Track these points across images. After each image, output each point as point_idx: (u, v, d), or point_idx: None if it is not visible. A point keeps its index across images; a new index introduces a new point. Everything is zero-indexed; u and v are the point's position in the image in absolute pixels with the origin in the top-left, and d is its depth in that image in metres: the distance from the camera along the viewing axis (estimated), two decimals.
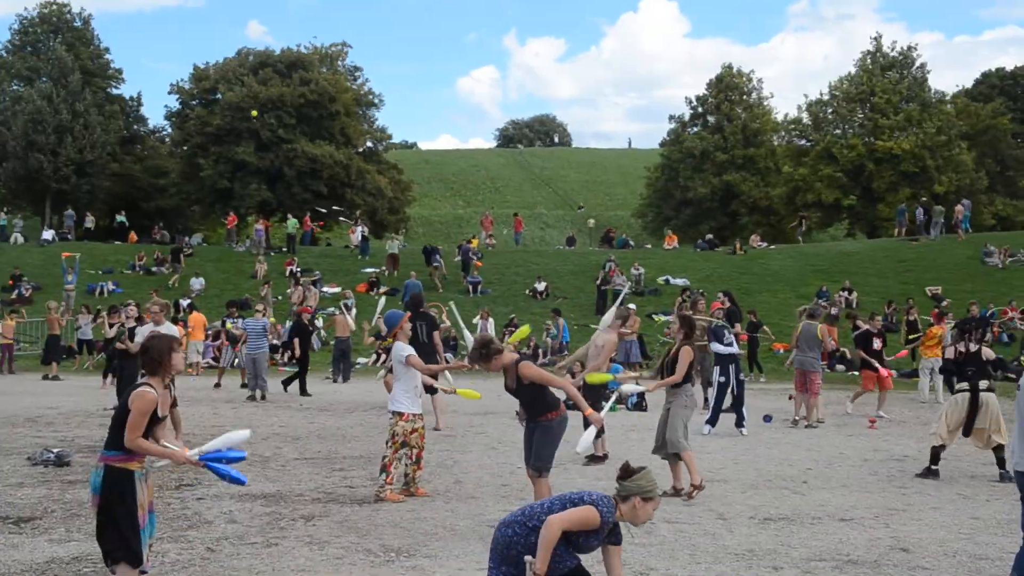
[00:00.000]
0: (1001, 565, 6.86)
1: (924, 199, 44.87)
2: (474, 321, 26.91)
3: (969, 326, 11.43)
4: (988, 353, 11.11)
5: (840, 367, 25.11)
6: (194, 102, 50.09)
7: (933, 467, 10.72)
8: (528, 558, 5.03)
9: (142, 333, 12.49)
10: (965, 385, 10.77)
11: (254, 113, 43.97)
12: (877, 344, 17.09)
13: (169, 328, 12.98)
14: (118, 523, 5.47)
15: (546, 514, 5.08)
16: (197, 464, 5.66)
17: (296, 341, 19.63)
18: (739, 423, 14.37)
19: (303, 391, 18.95)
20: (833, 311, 25.09)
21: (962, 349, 10.98)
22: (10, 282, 33.02)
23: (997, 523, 8.18)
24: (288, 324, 23.39)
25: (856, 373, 21.09)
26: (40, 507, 8.57)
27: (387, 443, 9.13)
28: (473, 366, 8.38)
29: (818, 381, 15.57)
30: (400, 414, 9.05)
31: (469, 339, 9.69)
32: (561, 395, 8.21)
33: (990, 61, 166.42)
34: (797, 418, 15.65)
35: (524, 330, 11.92)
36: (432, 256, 34.64)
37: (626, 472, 5.29)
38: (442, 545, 7.41)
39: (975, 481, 10.53)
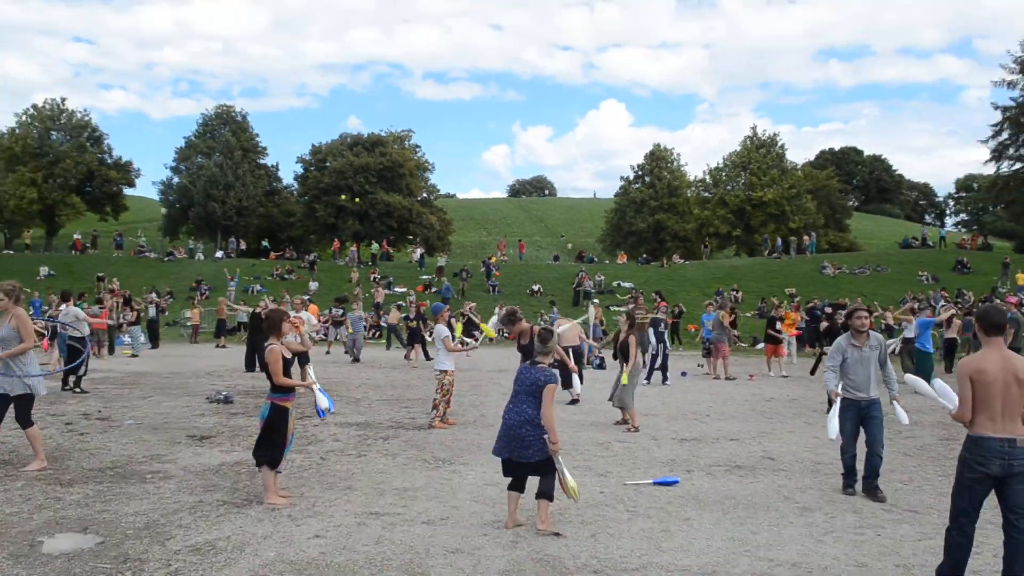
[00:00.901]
0: (832, 467, 6.87)
1: (782, 232, 45.18)
2: (494, 311, 26.98)
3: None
4: None
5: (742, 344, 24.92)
6: (312, 167, 50.09)
7: None
8: (545, 437, 4.84)
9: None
10: None
11: (344, 198, 44.32)
12: (778, 325, 16.53)
13: (309, 317, 13.09)
14: (272, 439, 5.52)
15: (536, 409, 4.85)
16: (313, 390, 5.93)
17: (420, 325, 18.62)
18: (664, 380, 14.34)
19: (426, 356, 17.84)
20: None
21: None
22: (194, 284, 33.15)
23: (830, 441, 8.17)
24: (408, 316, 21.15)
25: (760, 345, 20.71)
26: (214, 429, 8.65)
27: (436, 390, 9.15)
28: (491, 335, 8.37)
29: (724, 349, 15.54)
30: (444, 371, 9.09)
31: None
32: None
33: (825, 143, 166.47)
34: (715, 375, 15.61)
35: (487, 331, 11.19)
36: (462, 273, 34.49)
37: (543, 338, 5.14)
38: (472, 456, 7.45)
39: (816, 414, 10.53)
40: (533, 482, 5.06)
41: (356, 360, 18.44)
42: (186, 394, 11.70)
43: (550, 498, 4.98)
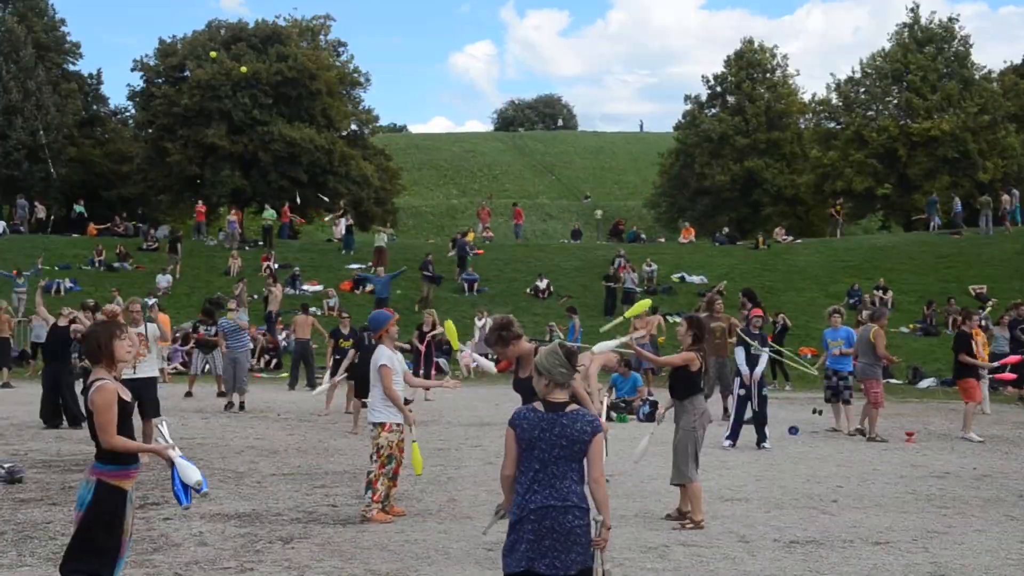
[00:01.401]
0: None
1: (966, 187, 44.85)
2: (476, 322, 26.99)
3: None
4: None
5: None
6: (160, 80, 50.02)
7: None
8: (595, 514, 5.07)
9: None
10: None
11: (213, 54, 43.92)
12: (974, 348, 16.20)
13: (151, 329, 13.06)
14: (96, 543, 5.52)
15: (580, 483, 5.08)
16: (170, 460, 5.76)
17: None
18: (760, 441, 14.30)
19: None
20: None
21: None
22: None
23: None
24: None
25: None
26: None
27: (371, 457, 9.13)
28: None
29: (876, 390, 15.57)
30: (382, 424, 9.06)
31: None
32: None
33: None
34: (849, 431, 15.65)
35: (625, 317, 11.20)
36: (427, 268, 33.36)
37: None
38: (435, 570, 7.43)
39: (1022, 501, 10.54)
40: None
41: (240, 405, 18.47)
42: None
43: None
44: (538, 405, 5.17)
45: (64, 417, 15.46)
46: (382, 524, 8.88)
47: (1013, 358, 15.66)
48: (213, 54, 44.35)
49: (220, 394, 19.88)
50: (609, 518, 5.10)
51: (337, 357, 18.42)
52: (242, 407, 18.37)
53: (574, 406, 5.17)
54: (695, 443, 9.33)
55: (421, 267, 32.73)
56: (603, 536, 5.08)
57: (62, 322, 17.18)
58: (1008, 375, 15.68)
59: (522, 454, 5.11)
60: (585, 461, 5.05)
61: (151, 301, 28.72)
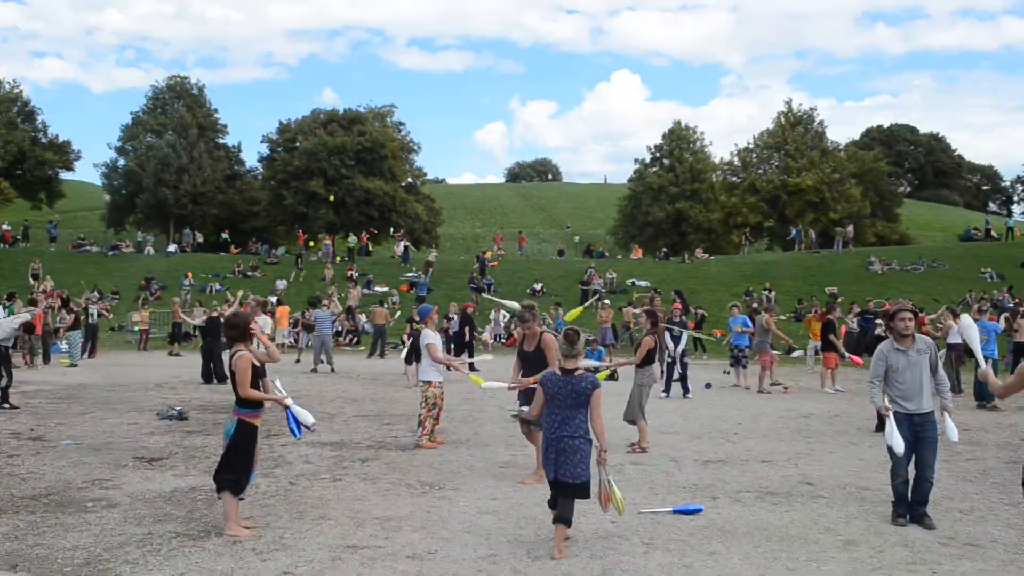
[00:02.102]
0: (880, 494, 6.88)
1: (823, 222, 45.39)
2: (492, 315, 27.08)
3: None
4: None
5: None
6: (279, 149, 50.10)
7: None
8: (595, 442, 5.30)
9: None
10: None
11: (331, 198, 44.74)
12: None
13: (264, 320, 13.13)
14: (236, 462, 5.56)
15: (587, 421, 5.31)
16: (285, 405, 5.86)
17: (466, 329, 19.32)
18: (685, 393, 14.32)
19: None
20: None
21: None
22: (143, 283, 33.11)
23: (877, 463, 8.17)
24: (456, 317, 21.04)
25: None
26: (166, 450, 8.66)
27: (421, 404, 9.14)
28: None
29: (767, 359, 15.55)
30: (429, 382, 9.07)
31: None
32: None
33: (871, 119, 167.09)
34: (744, 385, 15.69)
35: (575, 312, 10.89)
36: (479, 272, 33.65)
37: (570, 339, 5.51)
38: (464, 480, 7.45)
39: (862, 432, 10.55)
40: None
41: (317, 370, 18.29)
42: (133, 409, 11.69)
43: (568, 523, 5.31)
44: (559, 370, 5.46)
45: (215, 377, 15.60)
46: (428, 451, 8.92)
47: (856, 359, 15.71)
48: (331, 198, 45.12)
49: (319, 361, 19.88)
50: (605, 442, 5.32)
51: (410, 335, 18.30)
52: (333, 370, 18.31)
53: (581, 371, 5.39)
54: (644, 396, 9.37)
55: (469, 281, 32.67)
56: (603, 458, 5.32)
57: (214, 313, 17.23)
58: (857, 359, 15.70)
59: (548, 403, 5.41)
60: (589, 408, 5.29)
61: (273, 298, 28.91)
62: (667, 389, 14.26)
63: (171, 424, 10.42)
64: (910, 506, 6.18)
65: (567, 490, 5.26)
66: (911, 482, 6.20)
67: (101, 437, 9.42)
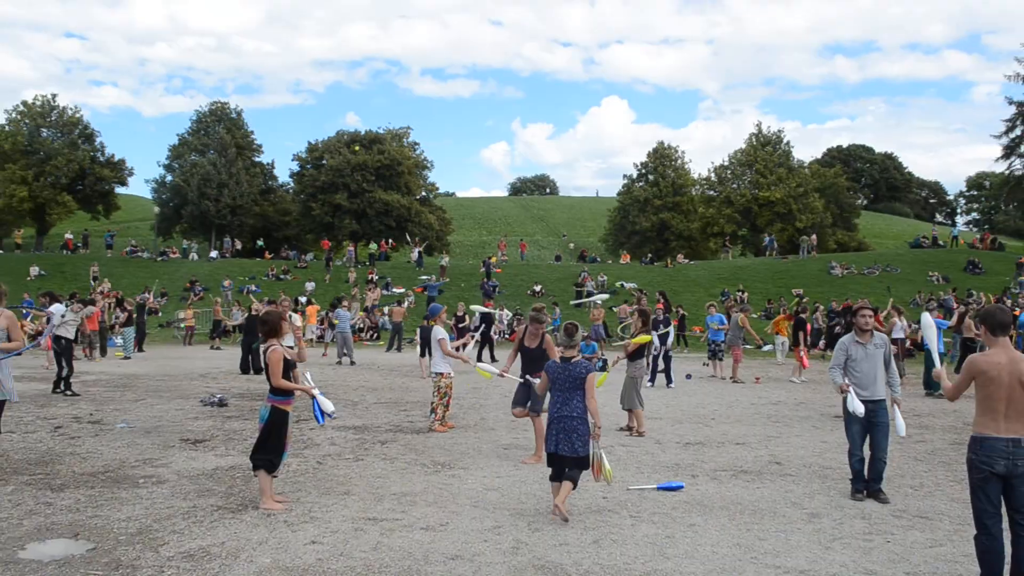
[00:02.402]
0: (840, 473, 6.87)
1: (789, 231, 45.36)
2: (497, 312, 26.99)
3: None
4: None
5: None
6: (308, 166, 50.08)
7: None
8: (590, 419, 5.41)
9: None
10: None
11: (356, 148, 44.63)
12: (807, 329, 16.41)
13: (295, 319, 13.15)
14: (271, 443, 5.54)
15: (583, 401, 5.41)
16: (312, 395, 5.86)
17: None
18: (668, 383, 14.29)
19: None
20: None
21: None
22: (187, 285, 33.15)
23: (838, 445, 8.16)
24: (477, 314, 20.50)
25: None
26: (208, 433, 8.64)
27: (433, 393, 9.12)
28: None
29: (738, 353, 15.57)
30: (441, 374, 9.04)
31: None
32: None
33: (832, 140, 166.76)
34: (720, 376, 15.68)
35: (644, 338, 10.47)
36: (486, 278, 33.58)
37: (570, 332, 5.67)
38: (472, 461, 7.44)
39: (824, 418, 10.52)
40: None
41: (342, 363, 18.28)
42: (179, 397, 11.70)
43: (575, 484, 5.42)
44: (559, 359, 5.62)
45: (251, 368, 15.59)
46: (440, 434, 8.91)
47: (804, 362, 15.49)
48: (356, 148, 44.94)
49: (342, 356, 19.88)
50: (599, 419, 5.44)
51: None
52: (352, 363, 18.22)
53: (577, 358, 5.56)
54: (638, 384, 9.35)
55: (481, 286, 32.54)
56: (596, 433, 5.43)
57: (253, 311, 17.25)
58: (804, 361, 15.51)
59: (551, 386, 5.56)
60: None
61: (304, 299, 28.93)
62: (652, 379, 14.22)
63: (213, 410, 10.42)
64: (866, 483, 6.18)
65: (565, 462, 5.38)
66: (866, 461, 6.20)
67: (151, 421, 9.42)
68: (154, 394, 12.00)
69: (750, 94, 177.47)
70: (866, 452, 6.23)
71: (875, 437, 6.17)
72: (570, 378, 5.44)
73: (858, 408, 6.03)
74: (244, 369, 15.55)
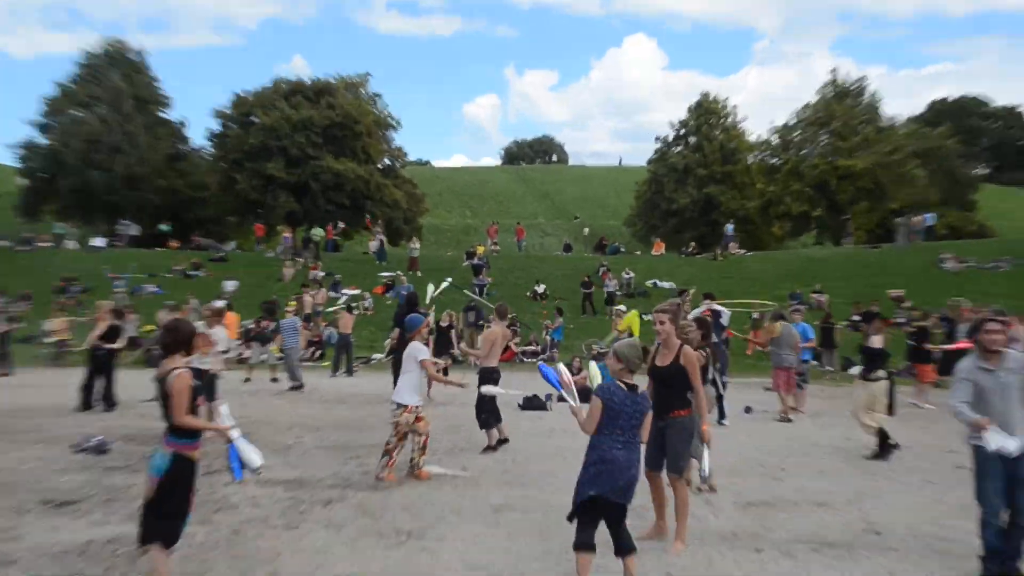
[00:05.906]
0: (965, 547, 6.73)
1: (880, 212, 45.71)
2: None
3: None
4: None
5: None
6: (233, 125, 50.14)
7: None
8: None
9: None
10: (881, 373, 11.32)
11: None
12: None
13: (219, 332, 13.11)
14: (169, 505, 5.44)
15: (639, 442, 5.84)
16: (229, 439, 5.78)
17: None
18: (720, 419, 13.95)
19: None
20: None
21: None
22: (60, 284, 32.80)
23: (960, 507, 7.97)
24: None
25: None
26: (80, 491, 8.51)
27: (392, 434, 9.11)
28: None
29: (787, 376, 15.20)
30: (404, 406, 9.05)
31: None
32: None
33: (931, 91, 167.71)
34: (802, 410, 15.47)
35: (631, 318, 10.95)
36: (479, 272, 33.77)
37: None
38: (450, 527, 7.34)
39: (938, 468, 10.36)
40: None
41: (294, 387, 18.41)
42: (41, 441, 11.49)
43: (635, 551, 5.75)
44: (621, 384, 5.75)
45: (105, 400, 15.08)
46: (400, 488, 8.82)
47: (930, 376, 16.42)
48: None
49: (273, 380, 19.66)
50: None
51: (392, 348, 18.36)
52: (297, 387, 18.27)
53: (641, 389, 5.82)
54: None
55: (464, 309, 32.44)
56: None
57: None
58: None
59: (606, 418, 5.65)
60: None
61: (221, 303, 28.64)
62: (721, 416, 13.66)
63: (88, 458, 10.23)
64: (1003, 560, 6.06)
65: (612, 511, 5.62)
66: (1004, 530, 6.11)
67: (0, 475, 9.20)
68: (5, 437, 11.75)
69: (820, 32, 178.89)
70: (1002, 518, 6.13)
71: (1018, 498, 6.05)
72: (637, 412, 5.71)
73: (1007, 445, 5.90)
74: (86, 404, 14.80)
